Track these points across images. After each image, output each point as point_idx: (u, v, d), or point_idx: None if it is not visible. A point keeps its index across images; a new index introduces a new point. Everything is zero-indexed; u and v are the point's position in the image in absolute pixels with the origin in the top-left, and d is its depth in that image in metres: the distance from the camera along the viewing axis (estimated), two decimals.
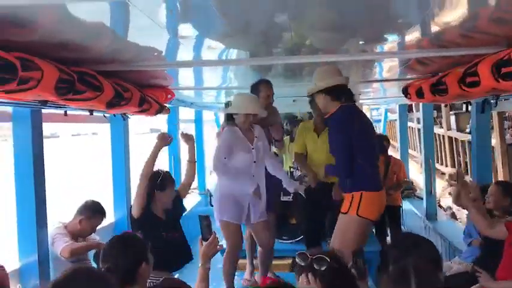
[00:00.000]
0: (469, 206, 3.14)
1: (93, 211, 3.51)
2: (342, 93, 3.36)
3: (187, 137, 3.64)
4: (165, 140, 3.39)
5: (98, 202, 3.59)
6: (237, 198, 3.71)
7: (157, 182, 3.29)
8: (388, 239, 5.73)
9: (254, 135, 3.77)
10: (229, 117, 3.77)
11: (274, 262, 4.57)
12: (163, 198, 3.31)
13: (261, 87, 4.01)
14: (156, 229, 3.24)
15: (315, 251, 1.95)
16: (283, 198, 4.92)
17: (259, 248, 4.10)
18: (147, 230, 3.15)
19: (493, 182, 4.24)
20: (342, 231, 3.37)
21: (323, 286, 1.78)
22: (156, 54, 2.96)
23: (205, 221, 2.38)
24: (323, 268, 1.79)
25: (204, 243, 2.30)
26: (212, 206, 7.07)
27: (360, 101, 7.45)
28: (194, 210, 6.46)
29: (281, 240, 4.82)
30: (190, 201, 7.20)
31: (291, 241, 4.88)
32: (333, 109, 3.37)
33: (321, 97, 3.40)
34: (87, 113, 3.42)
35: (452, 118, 10.10)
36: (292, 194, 4.91)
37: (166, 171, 3.43)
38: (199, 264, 2.32)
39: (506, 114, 9.14)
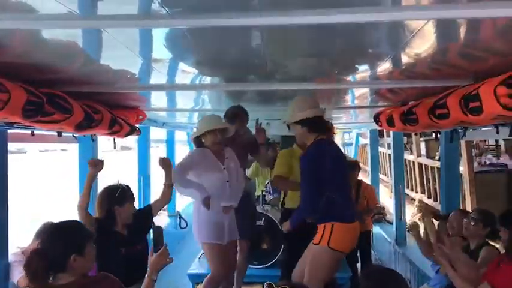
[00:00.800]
0: (447, 266, 2.76)
1: None
2: (319, 126, 3.38)
3: (164, 162, 3.51)
4: (97, 166, 3.20)
5: (56, 223, 3.44)
6: (216, 221, 3.69)
7: (116, 196, 3.14)
8: (358, 265, 5.74)
9: (225, 156, 3.78)
10: (199, 143, 3.79)
11: None
12: (122, 213, 3.14)
13: (238, 120, 4.11)
14: (115, 245, 3.07)
15: (284, 282, 1.95)
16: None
17: None
18: (104, 246, 2.98)
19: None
20: (312, 262, 3.32)
21: None
22: (129, 76, 2.92)
23: (157, 232, 2.38)
24: None
25: (155, 254, 2.30)
26: (182, 228, 7.02)
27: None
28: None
29: (252, 266, 4.77)
30: (160, 222, 7.08)
31: (262, 266, 4.83)
32: (309, 141, 3.38)
33: (297, 128, 3.41)
34: (55, 133, 3.33)
35: (423, 145, 10.31)
36: (263, 218, 4.90)
37: (126, 186, 3.26)
38: (146, 275, 2.30)
39: (474, 143, 9.40)
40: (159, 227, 2.44)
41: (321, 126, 3.39)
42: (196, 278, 4.71)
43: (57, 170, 29.34)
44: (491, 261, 3.02)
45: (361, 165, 6.59)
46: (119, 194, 3.14)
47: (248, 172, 5.72)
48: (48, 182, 24.73)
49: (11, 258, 3.18)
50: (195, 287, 4.72)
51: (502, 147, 10.89)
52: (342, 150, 3.78)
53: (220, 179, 3.70)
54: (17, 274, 3.16)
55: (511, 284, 2.44)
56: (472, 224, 3.38)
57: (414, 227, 3.92)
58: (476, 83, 2.32)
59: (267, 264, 4.80)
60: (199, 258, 5.13)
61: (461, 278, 2.65)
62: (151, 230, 2.41)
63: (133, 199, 3.24)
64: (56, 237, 2.10)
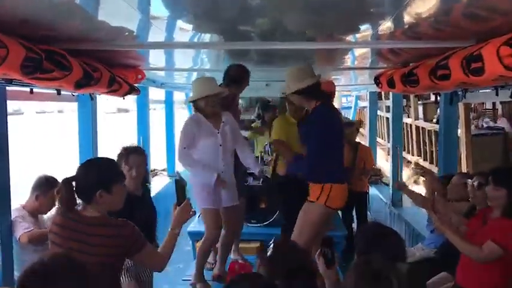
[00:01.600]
0: (449, 233, 2.85)
1: (48, 185, 3.40)
2: (315, 93, 3.46)
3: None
4: None
5: (51, 176, 3.49)
6: (209, 183, 3.69)
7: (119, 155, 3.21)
8: (354, 224, 5.86)
9: (221, 120, 3.76)
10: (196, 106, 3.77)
11: (242, 245, 4.62)
12: (127, 170, 3.16)
13: (243, 83, 4.12)
14: (131, 208, 3.11)
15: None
16: (253, 183, 4.96)
17: (222, 231, 4.09)
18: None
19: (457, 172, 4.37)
20: (305, 217, 3.50)
21: (264, 270, 1.95)
22: (127, 34, 2.88)
23: (180, 186, 2.39)
24: (268, 255, 1.98)
25: (178, 207, 2.34)
26: None
27: None
28: (162, 193, 6.42)
29: (250, 224, 4.86)
30: (159, 183, 7.15)
31: (260, 225, 4.92)
32: (310, 107, 3.48)
33: (295, 97, 3.51)
34: (55, 92, 3.32)
35: (420, 108, 10.30)
36: (261, 179, 4.95)
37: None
38: (170, 229, 2.35)
39: (472, 106, 9.39)
40: (182, 180, 2.45)
41: (317, 93, 3.47)
42: (196, 236, 4.81)
43: (55, 131, 29.34)
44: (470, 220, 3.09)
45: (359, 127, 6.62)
46: (120, 152, 3.22)
47: (247, 133, 5.74)
48: (46, 142, 24.77)
49: (12, 214, 3.22)
50: (195, 243, 4.83)
51: (499, 111, 10.89)
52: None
53: (214, 144, 3.70)
54: (20, 230, 3.22)
55: None
56: (477, 188, 3.34)
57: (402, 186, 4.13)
58: (479, 44, 2.30)
59: (265, 223, 4.89)
60: (198, 217, 5.20)
61: (466, 242, 2.74)
62: (175, 183, 2.44)
63: (131, 153, 3.25)
64: (87, 170, 2.20)
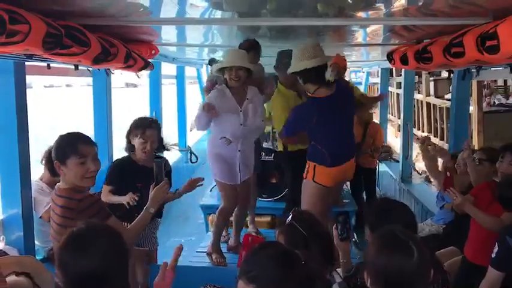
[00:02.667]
0: (472, 209, 2.92)
1: None
2: (312, 77, 3.40)
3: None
4: None
5: None
6: (227, 159, 3.76)
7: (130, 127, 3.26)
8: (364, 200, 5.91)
9: (246, 97, 3.69)
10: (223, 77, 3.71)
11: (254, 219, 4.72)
12: (137, 142, 3.21)
13: (251, 53, 3.98)
14: (140, 179, 3.10)
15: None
16: (264, 158, 5.02)
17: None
18: (126, 178, 3.16)
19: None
20: (302, 195, 3.63)
21: (283, 239, 2.03)
22: (141, 10, 2.90)
23: (158, 167, 2.46)
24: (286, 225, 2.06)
25: (155, 188, 2.43)
26: (192, 162, 7.16)
27: None
28: (173, 167, 6.49)
29: (261, 199, 4.95)
30: (170, 157, 7.21)
31: (271, 199, 5.01)
32: (309, 91, 3.48)
33: (296, 77, 3.52)
34: (72, 67, 3.36)
35: (432, 84, 10.20)
36: (273, 154, 5.01)
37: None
38: (144, 207, 2.41)
39: (485, 83, 9.28)
40: (159, 162, 2.51)
41: (314, 78, 3.40)
42: (208, 209, 4.92)
43: (65, 105, 29.49)
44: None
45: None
46: (132, 124, 3.28)
47: None
48: (57, 116, 24.94)
49: (33, 189, 3.26)
50: (207, 217, 4.94)
51: None
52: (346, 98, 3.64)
53: (235, 121, 3.65)
54: (41, 209, 3.30)
55: None
56: (478, 163, 3.33)
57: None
58: (495, 21, 2.29)
59: (276, 198, 4.98)
60: (210, 190, 5.30)
61: (487, 215, 2.82)
62: (154, 166, 2.52)
63: (149, 125, 3.27)
64: (54, 142, 2.32)
